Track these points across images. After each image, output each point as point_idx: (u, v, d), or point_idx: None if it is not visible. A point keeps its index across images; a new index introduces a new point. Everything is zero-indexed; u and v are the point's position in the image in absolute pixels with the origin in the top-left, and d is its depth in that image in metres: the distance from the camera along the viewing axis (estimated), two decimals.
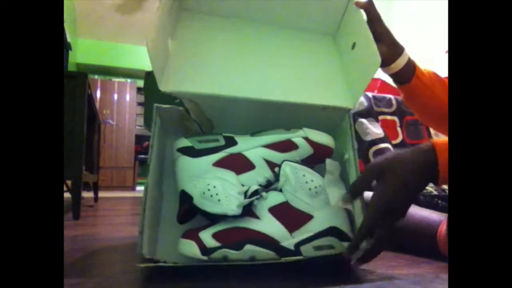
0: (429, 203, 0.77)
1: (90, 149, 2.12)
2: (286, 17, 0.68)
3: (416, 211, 0.69)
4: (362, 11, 0.64)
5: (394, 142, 1.51)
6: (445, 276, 0.49)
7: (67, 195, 1.51)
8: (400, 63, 0.66)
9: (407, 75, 0.67)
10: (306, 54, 0.68)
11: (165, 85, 0.54)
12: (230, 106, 0.57)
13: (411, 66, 0.67)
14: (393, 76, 0.69)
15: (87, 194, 2.83)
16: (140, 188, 5.15)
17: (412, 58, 0.68)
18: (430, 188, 0.77)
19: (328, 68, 0.67)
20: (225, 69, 0.60)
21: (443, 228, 0.61)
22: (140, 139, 5.30)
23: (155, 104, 0.55)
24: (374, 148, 1.41)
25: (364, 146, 1.39)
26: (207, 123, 0.60)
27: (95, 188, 2.32)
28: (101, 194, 3.30)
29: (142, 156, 5.23)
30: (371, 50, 0.57)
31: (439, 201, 0.76)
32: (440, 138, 0.51)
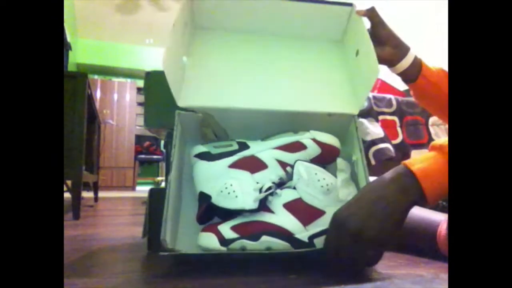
0: None
1: (90, 149, 2.12)
2: (293, 27, 0.72)
3: (416, 211, 0.69)
4: (364, 18, 0.67)
5: (394, 142, 1.51)
6: (445, 276, 0.49)
7: (67, 195, 1.51)
8: (405, 63, 0.69)
9: (413, 74, 0.71)
10: (313, 61, 0.72)
11: (183, 101, 0.60)
12: (242, 116, 0.63)
13: (417, 65, 0.70)
14: (399, 75, 0.72)
15: (87, 194, 2.83)
16: (140, 188, 5.15)
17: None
18: None
19: (335, 73, 0.71)
20: (236, 83, 0.66)
21: (443, 228, 0.61)
22: (140, 139, 5.29)
23: (177, 111, 0.60)
24: (374, 148, 1.41)
25: (364, 146, 1.39)
26: (222, 133, 0.65)
27: (95, 188, 2.32)
28: (101, 194, 3.30)
29: (142, 156, 5.23)
30: (372, 60, 0.60)
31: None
32: (417, 157, 0.50)
